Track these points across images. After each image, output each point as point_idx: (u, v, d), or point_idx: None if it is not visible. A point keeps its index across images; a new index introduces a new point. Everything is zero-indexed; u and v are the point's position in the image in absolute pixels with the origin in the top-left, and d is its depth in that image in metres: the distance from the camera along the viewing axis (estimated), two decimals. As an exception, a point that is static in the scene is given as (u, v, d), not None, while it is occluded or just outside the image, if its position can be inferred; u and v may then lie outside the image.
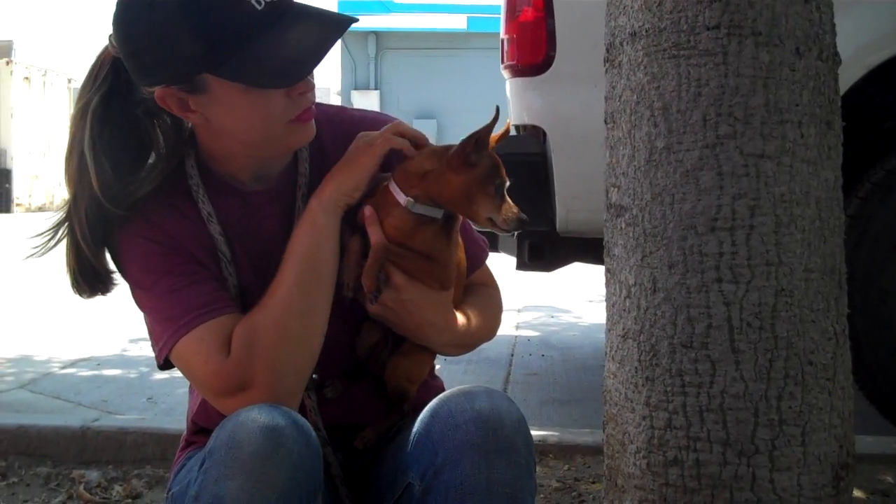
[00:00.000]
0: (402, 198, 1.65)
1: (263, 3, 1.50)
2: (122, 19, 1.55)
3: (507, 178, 1.67)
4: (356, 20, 1.62)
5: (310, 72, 1.58)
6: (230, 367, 1.55)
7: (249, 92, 1.54)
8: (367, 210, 1.67)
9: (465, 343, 1.81)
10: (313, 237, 1.64)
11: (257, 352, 1.55)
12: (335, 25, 1.57)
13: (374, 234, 1.65)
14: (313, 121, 1.66)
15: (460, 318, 1.75)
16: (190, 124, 1.68)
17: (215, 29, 1.49)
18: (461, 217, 1.72)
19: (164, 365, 1.67)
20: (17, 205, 24.77)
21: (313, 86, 1.63)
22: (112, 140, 1.61)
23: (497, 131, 1.73)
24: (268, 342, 1.57)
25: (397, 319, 1.68)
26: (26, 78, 25.16)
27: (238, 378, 1.54)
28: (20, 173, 24.77)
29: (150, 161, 1.68)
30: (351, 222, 1.69)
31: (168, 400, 4.18)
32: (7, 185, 24.88)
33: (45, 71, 26.10)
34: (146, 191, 1.63)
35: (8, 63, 24.78)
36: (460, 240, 1.76)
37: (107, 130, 1.61)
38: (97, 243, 1.63)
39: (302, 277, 1.63)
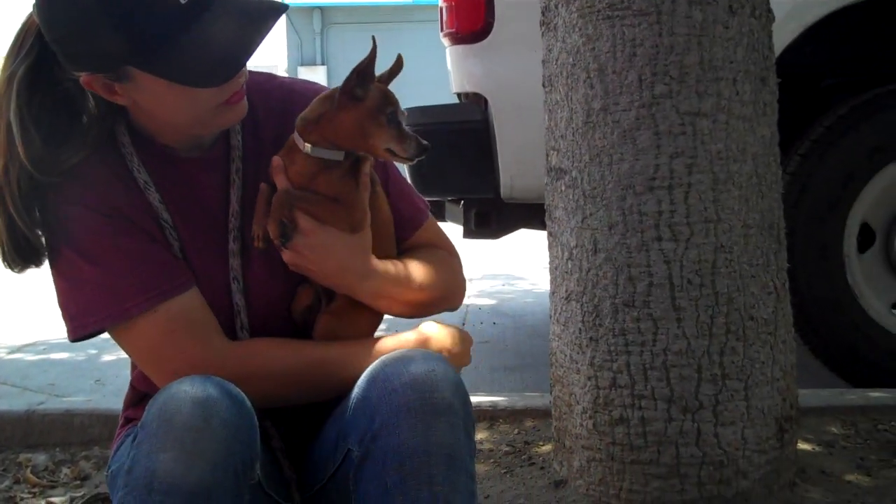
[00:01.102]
0: (302, 144, 1.66)
1: None
2: (44, 7, 1.51)
3: (400, 107, 1.64)
4: (286, 8, 1.59)
5: (239, 69, 1.54)
6: (213, 367, 1.52)
7: (175, 84, 1.51)
8: (275, 160, 1.67)
9: (406, 298, 1.75)
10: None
11: (248, 380, 1.55)
12: (264, 16, 1.53)
13: (280, 182, 1.65)
14: (245, 99, 1.64)
15: (388, 266, 1.71)
16: None
17: (137, 25, 1.45)
18: (370, 160, 1.69)
19: (79, 338, 1.63)
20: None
21: (243, 71, 1.60)
22: (41, 108, 1.57)
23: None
24: (264, 383, 1.59)
25: (314, 266, 1.65)
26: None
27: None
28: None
29: (82, 127, 1.64)
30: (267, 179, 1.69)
31: (116, 381, 4.13)
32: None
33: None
34: (79, 158, 1.59)
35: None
36: (382, 192, 1.74)
37: (35, 99, 1.56)
38: (31, 215, 1.59)
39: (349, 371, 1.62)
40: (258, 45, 1.53)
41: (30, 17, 1.58)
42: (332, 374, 1.65)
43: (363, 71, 1.61)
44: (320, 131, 1.64)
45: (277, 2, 1.57)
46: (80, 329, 1.62)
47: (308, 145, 1.64)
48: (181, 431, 1.36)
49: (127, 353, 1.67)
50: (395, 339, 1.68)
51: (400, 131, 1.61)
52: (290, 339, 1.68)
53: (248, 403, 1.45)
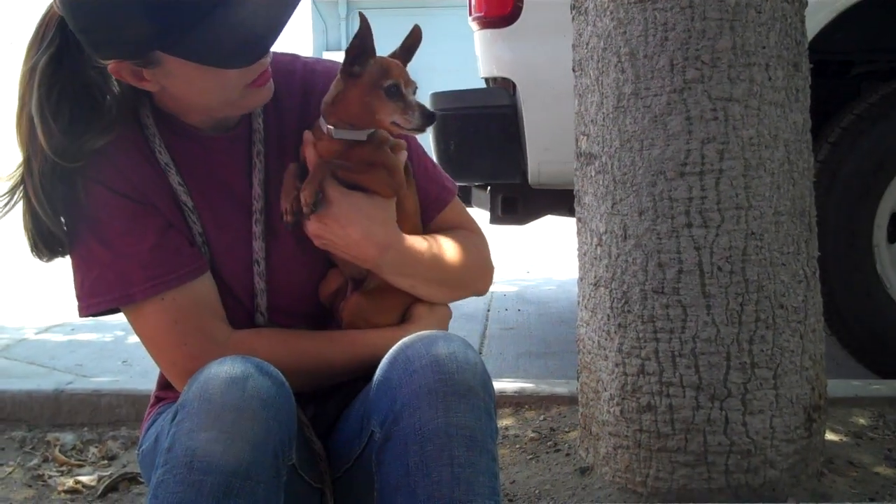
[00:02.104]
0: (325, 127, 1.66)
1: None
2: None
3: (402, 79, 1.62)
4: None
5: (267, 49, 1.54)
6: (212, 360, 1.51)
7: (204, 67, 1.51)
8: (306, 134, 1.68)
9: (432, 276, 1.74)
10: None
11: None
12: None
13: (310, 156, 1.66)
14: (271, 81, 1.64)
15: (413, 240, 1.71)
16: None
17: (165, 9, 1.45)
18: (403, 146, 1.69)
19: (87, 316, 1.64)
20: (-12, 174, 24.60)
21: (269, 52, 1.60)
22: (61, 98, 1.57)
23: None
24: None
25: (335, 237, 1.64)
26: (-8, 45, 24.91)
27: None
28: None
29: (104, 112, 1.64)
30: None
31: (143, 362, 4.15)
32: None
33: (11, 40, 25.76)
34: (102, 142, 1.60)
35: (-27, 30, 24.52)
36: (413, 183, 1.73)
37: (55, 90, 1.56)
38: (52, 206, 1.59)
39: (340, 368, 1.68)
40: (285, 25, 1.52)
41: (50, 8, 1.58)
42: (331, 368, 1.67)
43: (353, 49, 1.61)
44: (337, 113, 1.65)
45: None
46: (85, 308, 1.63)
47: (331, 127, 1.64)
48: (221, 411, 1.36)
49: (136, 334, 1.67)
50: (398, 334, 1.65)
51: (404, 103, 1.59)
52: (295, 333, 1.69)
53: (287, 385, 1.46)
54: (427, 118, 1.59)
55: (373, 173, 1.64)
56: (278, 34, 1.52)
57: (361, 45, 1.61)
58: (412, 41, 1.66)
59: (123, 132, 1.64)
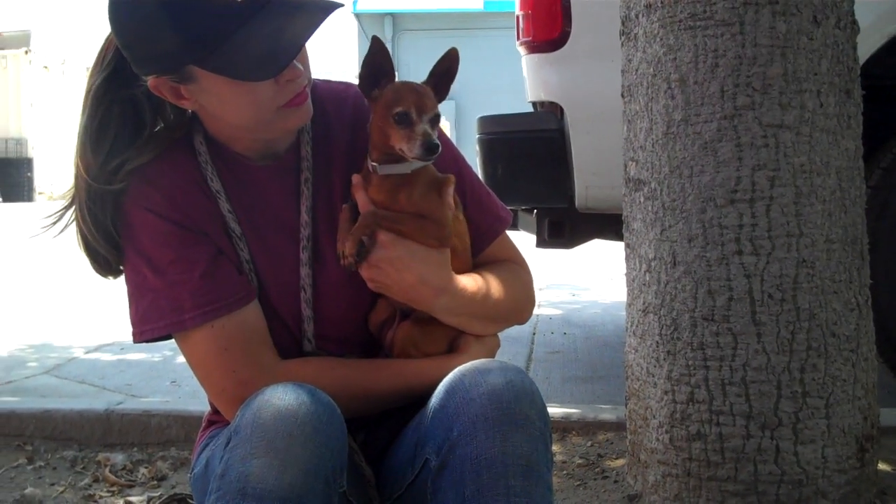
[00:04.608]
0: (369, 164, 1.65)
1: None
2: (112, 14, 1.56)
3: (413, 106, 1.58)
4: (341, 5, 1.60)
5: (288, 62, 1.55)
6: (261, 387, 1.51)
7: (235, 82, 1.54)
8: (355, 178, 1.68)
9: (481, 314, 1.75)
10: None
11: None
12: (318, 12, 1.56)
13: (361, 200, 1.66)
14: (309, 102, 1.65)
15: (466, 282, 1.70)
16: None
17: (196, 24, 1.49)
18: (452, 178, 1.67)
19: (141, 342, 1.66)
20: (39, 193, 25.01)
21: (302, 71, 1.60)
22: (106, 120, 1.61)
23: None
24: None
25: (392, 280, 1.64)
26: (45, 67, 25.38)
27: None
28: (41, 162, 24.99)
29: (149, 134, 1.67)
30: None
31: (192, 382, 4.14)
32: (29, 174, 25.13)
33: (63, 60, 26.23)
34: (143, 161, 1.62)
35: (26, 52, 25.01)
36: (463, 219, 1.72)
37: (101, 111, 1.61)
38: (97, 227, 1.63)
39: (389, 397, 1.68)
40: (305, 41, 1.55)
41: (111, 33, 1.62)
42: (379, 396, 1.68)
43: (364, 74, 1.61)
44: (372, 142, 1.64)
45: (331, 0, 1.58)
46: (139, 335, 1.65)
47: (374, 164, 1.64)
48: (274, 438, 1.37)
49: (186, 360, 1.69)
50: (447, 362, 1.67)
51: (409, 130, 1.57)
52: (343, 362, 1.70)
53: (339, 411, 1.46)
54: (428, 149, 1.56)
55: (420, 225, 1.63)
56: (298, 50, 1.55)
57: (375, 67, 1.62)
58: (443, 67, 1.65)
59: (176, 158, 1.67)
